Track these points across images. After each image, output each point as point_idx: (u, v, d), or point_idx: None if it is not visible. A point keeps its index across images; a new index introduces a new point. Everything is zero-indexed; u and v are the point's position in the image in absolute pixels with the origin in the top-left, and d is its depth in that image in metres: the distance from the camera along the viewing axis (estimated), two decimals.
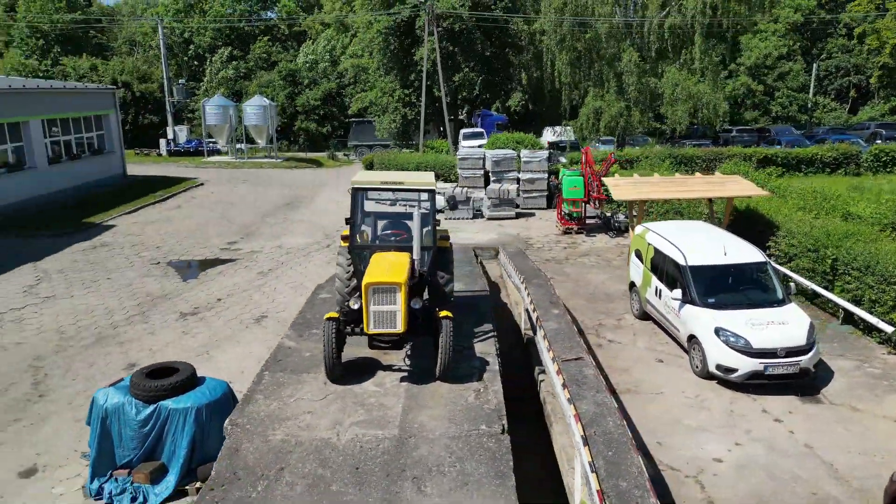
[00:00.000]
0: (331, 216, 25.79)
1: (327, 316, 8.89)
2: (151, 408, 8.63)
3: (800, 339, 10.93)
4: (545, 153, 27.22)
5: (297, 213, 27.92)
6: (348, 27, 62.56)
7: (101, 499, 8.49)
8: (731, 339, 10.95)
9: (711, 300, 11.78)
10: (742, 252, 12.61)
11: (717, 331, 11.13)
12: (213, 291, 17.08)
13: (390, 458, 7.24)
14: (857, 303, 13.25)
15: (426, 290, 9.70)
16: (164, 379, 8.86)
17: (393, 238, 10.13)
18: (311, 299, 12.79)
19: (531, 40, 43.67)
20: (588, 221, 23.71)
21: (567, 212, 23.18)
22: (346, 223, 9.85)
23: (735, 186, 17.55)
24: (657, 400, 10.78)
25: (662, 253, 13.20)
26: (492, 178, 26.37)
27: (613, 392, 10.65)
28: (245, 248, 21.68)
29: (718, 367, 11.02)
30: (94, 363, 12.69)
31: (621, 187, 17.84)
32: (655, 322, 13.76)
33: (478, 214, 25.83)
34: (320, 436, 7.64)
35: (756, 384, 10.89)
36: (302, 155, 50.90)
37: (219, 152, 48.95)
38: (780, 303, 11.81)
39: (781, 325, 11.14)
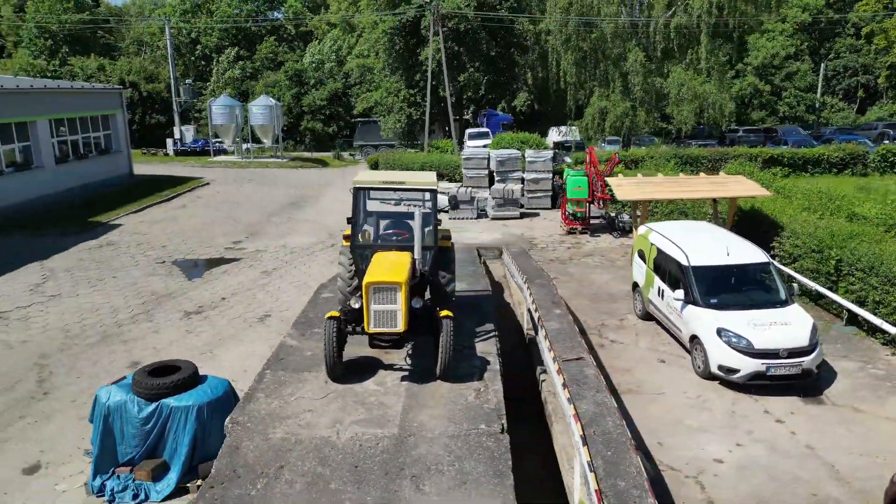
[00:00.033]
0: (335, 216, 25.84)
1: (328, 315, 8.92)
2: (153, 406, 8.69)
3: (802, 339, 10.90)
4: (549, 153, 27.21)
5: (302, 212, 28.01)
6: (354, 27, 62.69)
7: (103, 496, 8.55)
8: (733, 339, 10.93)
9: (714, 300, 11.76)
10: (745, 252, 12.57)
11: (719, 331, 11.11)
12: (218, 290, 17.16)
13: (389, 456, 7.26)
14: (861, 304, 13.18)
15: (427, 289, 9.72)
16: (166, 377, 8.91)
17: (395, 238, 10.14)
18: (314, 298, 12.84)
19: (536, 40, 43.70)
20: (592, 221, 23.67)
21: (571, 212, 23.17)
22: (348, 222, 9.89)
23: (738, 187, 17.50)
24: (658, 400, 10.77)
25: (665, 253, 13.19)
26: (496, 178, 26.38)
27: (614, 392, 10.65)
28: (250, 247, 21.76)
29: (720, 367, 11.00)
30: (98, 361, 12.78)
31: (624, 187, 17.82)
32: (658, 322, 13.74)
33: (482, 214, 25.84)
34: (320, 434, 7.67)
35: (758, 385, 10.86)
36: (308, 155, 51.03)
37: (225, 152, 49.12)
38: (783, 303, 11.78)
39: (784, 326, 11.11)
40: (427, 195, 9.90)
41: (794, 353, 10.77)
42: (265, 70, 61.00)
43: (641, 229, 14.89)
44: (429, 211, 9.76)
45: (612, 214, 24.35)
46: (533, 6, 43.42)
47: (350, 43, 61.90)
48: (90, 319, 15.05)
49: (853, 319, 13.48)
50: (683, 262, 12.38)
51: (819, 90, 60.59)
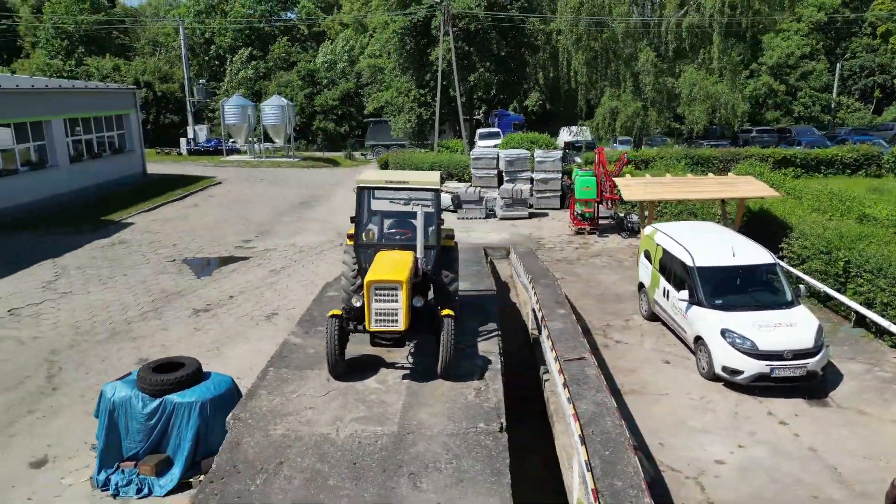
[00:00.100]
0: (345, 215, 25.48)
1: (331, 313, 8.99)
2: (157, 401, 8.80)
3: (807, 341, 10.83)
4: (559, 153, 27.16)
5: (312, 211, 28.16)
6: (366, 27, 62.88)
7: (107, 490, 8.67)
8: (738, 340, 10.88)
9: (718, 301, 11.71)
10: (750, 253, 12.51)
11: (724, 332, 11.07)
12: (226, 289, 17.31)
13: (388, 454, 7.31)
14: (870, 305, 13.08)
15: (430, 288, 9.77)
16: (170, 373, 9.03)
17: (398, 237, 10.21)
18: (319, 297, 12.94)
19: (547, 40, 43.59)
20: (601, 222, 23.62)
21: (579, 212, 23.13)
22: (352, 221, 9.97)
23: (747, 187, 17.39)
24: (662, 401, 10.75)
25: (671, 254, 13.14)
26: (505, 178, 26.38)
27: (616, 392, 10.64)
28: (259, 246, 21.92)
29: (724, 368, 10.96)
30: (106, 358, 12.94)
31: (632, 188, 17.77)
32: (663, 323, 13.69)
33: (491, 214, 25.85)
34: (320, 431, 7.74)
35: (762, 386, 10.81)
36: (319, 154, 51.25)
37: (238, 151, 49.46)
38: (789, 304, 11.71)
39: (789, 327, 11.04)
40: (430, 195, 9.96)
41: (798, 354, 10.70)
42: (278, 70, 61.32)
43: (647, 230, 14.85)
44: (431, 210, 9.81)
45: (621, 215, 24.28)
46: (544, 6, 43.33)
47: (362, 43, 62.08)
48: (100, 316, 15.24)
49: (861, 321, 13.37)
50: (689, 262, 12.33)
51: (835, 90, 59.94)
